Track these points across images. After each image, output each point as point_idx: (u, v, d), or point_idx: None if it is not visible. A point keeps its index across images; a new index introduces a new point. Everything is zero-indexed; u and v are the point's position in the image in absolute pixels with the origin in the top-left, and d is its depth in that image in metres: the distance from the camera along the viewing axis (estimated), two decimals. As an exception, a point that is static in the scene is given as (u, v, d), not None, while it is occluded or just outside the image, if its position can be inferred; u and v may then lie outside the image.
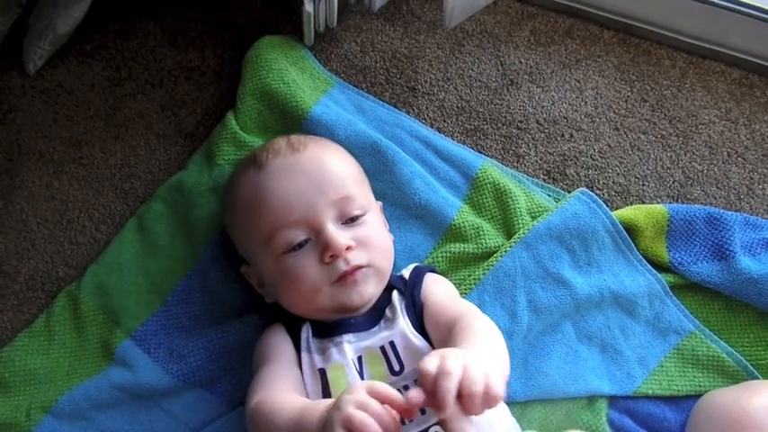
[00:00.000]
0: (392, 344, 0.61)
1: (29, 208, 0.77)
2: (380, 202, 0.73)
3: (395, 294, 0.65)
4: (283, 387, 0.59)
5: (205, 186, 0.75)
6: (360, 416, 0.46)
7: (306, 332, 0.64)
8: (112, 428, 0.67)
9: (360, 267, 0.62)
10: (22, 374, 0.69)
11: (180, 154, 0.80)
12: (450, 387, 0.45)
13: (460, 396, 0.46)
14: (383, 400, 0.47)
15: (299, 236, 0.63)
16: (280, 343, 0.64)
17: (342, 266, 0.62)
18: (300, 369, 0.62)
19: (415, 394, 0.47)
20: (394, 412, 0.48)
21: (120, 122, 0.81)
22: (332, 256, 0.62)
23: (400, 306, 0.64)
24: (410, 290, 0.65)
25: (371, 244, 0.64)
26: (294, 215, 0.62)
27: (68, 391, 0.68)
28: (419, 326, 0.62)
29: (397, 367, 0.60)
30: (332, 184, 0.64)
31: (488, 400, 0.46)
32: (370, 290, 0.63)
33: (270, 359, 0.63)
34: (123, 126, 0.81)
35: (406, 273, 0.68)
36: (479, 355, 0.50)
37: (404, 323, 0.62)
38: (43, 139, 0.80)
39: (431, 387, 0.46)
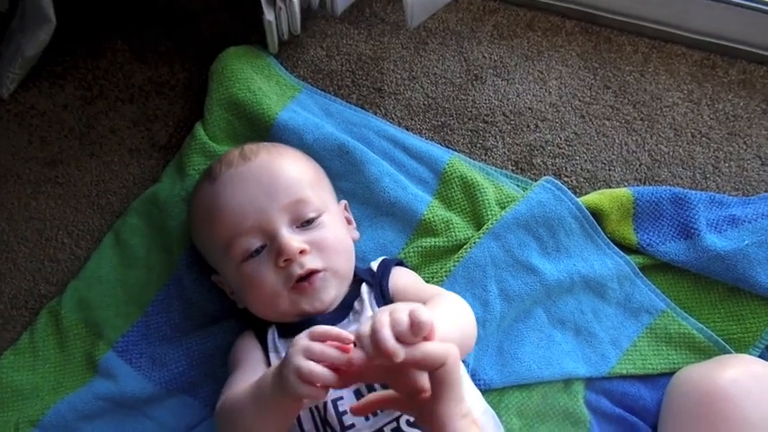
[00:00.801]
0: None
1: (9, 229, 0.79)
2: (345, 201, 0.74)
3: (363, 287, 0.67)
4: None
5: (178, 197, 0.76)
6: (306, 364, 0.49)
7: (271, 334, 0.65)
8: (100, 438, 0.69)
9: (316, 272, 0.63)
10: (10, 391, 0.71)
11: (154, 167, 0.82)
12: (385, 334, 0.47)
13: (397, 339, 0.47)
14: (325, 339, 0.51)
15: (255, 243, 0.64)
16: (248, 349, 0.65)
17: (296, 270, 0.63)
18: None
19: (357, 354, 0.49)
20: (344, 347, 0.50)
21: (93, 140, 0.83)
22: (286, 261, 0.63)
23: (369, 298, 0.65)
24: (378, 281, 0.66)
25: (327, 246, 0.64)
26: (248, 222, 0.64)
27: (54, 404, 0.69)
28: None
29: None
30: (283, 189, 0.65)
31: (416, 330, 0.47)
32: (331, 293, 0.64)
33: (237, 366, 0.65)
34: (97, 143, 0.83)
35: (375, 265, 0.70)
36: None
37: (372, 314, 0.63)
38: (19, 160, 0.82)
39: (370, 343, 0.48)
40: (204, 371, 0.71)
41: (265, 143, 0.73)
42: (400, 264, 0.71)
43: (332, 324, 0.63)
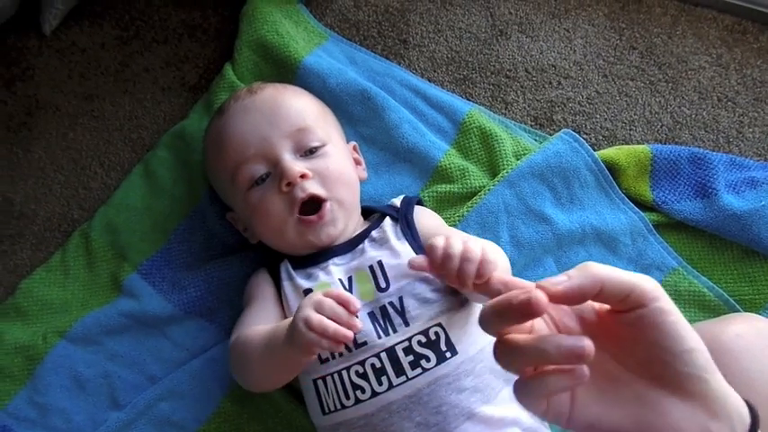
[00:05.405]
0: (380, 263, 0.64)
1: (46, 157, 0.84)
2: (354, 143, 0.76)
3: (387, 220, 0.68)
4: (259, 324, 0.63)
5: (204, 133, 0.79)
6: (317, 316, 0.52)
7: (284, 266, 0.67)
8: (121, 352, 0.73)
9: (320, 199, 0.64)
10: (40, 304, 0.75)
11: (183, 105, 0.85)
12: (454, 264, 0.50)
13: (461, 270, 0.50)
14: (336, 299, 0.53)
15: (260, 170, 0.66)
16: (261, 285, 0.68)
17: (298, 194, 0.64)
18: (282, 303, 0.66)
19: (419, 260, 0.47)
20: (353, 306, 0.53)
21: (128, 78, 0.87)
22: (288, 185, 0.64)
23: (394, 231, 0.66)
24: (403, 215, 0.68)
25: (330, 175, 0.65)
26: (251, 150, 0.65)
27: (81, 318, 0.73)
28: (418, 248, 0.65)
29: (383, 284, 0.63)
30: (286, 118, 0.66)
31: (482, 270, 0.49)
32: (339, 226, 0.66)
33: (250, 302, 0.67)
34: (131, 81, 0.87)
35: (397, 201, 0.71)
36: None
37: (397, 244, 0.64)
38: (59, 94, 0.86)
39: (438, 261, 0.50)
40: (221, 297, 0.74)
41: (275, 83, 0.74)
42: (420, 203, 0.73)
43: (349, 251, 0.66)
